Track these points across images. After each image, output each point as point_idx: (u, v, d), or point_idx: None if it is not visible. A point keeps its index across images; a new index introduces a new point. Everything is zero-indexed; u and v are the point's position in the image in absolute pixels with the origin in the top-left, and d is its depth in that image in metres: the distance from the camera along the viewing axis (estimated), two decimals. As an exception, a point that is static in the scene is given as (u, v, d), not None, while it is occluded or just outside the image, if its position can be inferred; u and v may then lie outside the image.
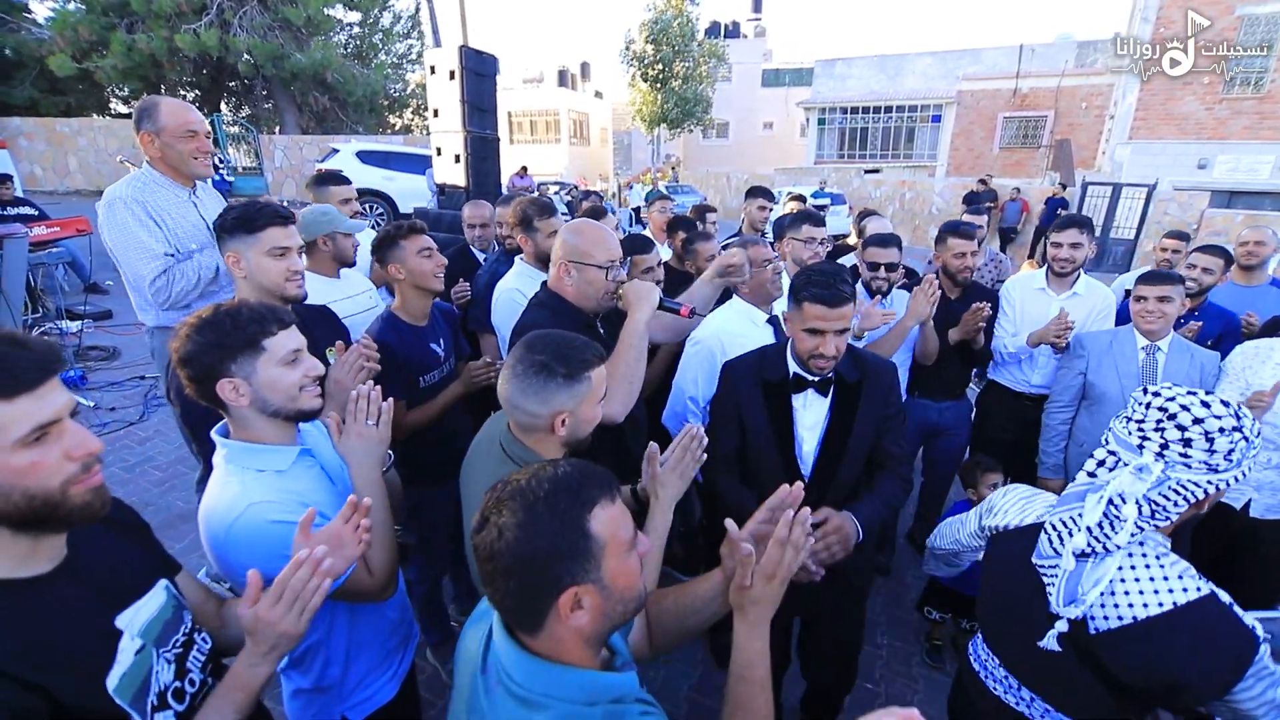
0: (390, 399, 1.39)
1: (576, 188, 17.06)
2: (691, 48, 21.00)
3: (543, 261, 2.45)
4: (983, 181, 13.86)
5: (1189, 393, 1.14)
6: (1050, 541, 1.22)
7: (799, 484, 1.14)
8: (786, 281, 2.97)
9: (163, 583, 1.02)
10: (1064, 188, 13.39)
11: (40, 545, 0.85)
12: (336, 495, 1.33)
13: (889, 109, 20.37)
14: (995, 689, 1.40)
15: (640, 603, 0.92)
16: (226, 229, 1.63)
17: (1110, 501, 1.14)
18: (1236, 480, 1.11)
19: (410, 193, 10.95)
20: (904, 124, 20.47)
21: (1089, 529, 1.15)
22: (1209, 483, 1.10)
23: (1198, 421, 1.09)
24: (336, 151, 12.41)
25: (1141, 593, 1.15)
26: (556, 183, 18.68)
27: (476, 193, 4.95)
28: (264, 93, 19.97)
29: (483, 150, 5.07)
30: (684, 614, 1.18)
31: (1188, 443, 1.09)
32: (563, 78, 32.85)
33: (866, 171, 17.67)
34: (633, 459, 1.95)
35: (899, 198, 16.18)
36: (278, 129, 20.43)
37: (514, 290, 2.33)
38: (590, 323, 1.91)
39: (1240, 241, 3.32)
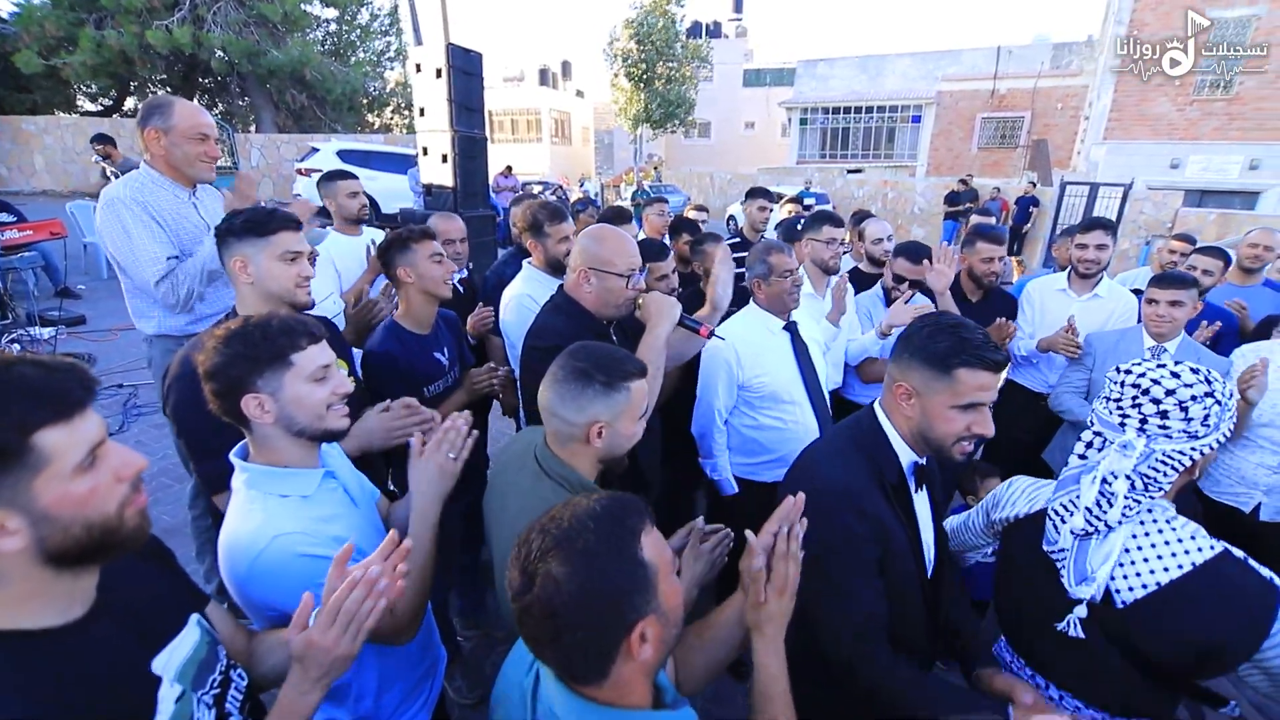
0: (476, 431, 1.33)
1: (561, 187, 16.94)
2: (675, 48, 20.99)
3: (552, 267, 2.40)
4: (963, 181, 14.05)
5: (1159, 365, 1.18)
6: (1055, 526, 1.25)
7: (801, 495, 1.14)
8: (809, 287, 2.96)
9: (195, 617, 0.94)
10: (1034, 185, 13.61)
11: (78, 584, 0.77)
12: (361, 518, 1.27)
13: (870, 109, 20.59)
14: None
15: (682, 621, 0.90)
16: (235, 232, 1.54)
17: (1104, 480, 1.17)
18: (1218, 443, 1.15)
19: (392, 193, 10.81)
20: (885, 124, 20.70)
21: (1087, 509, 1.18)
22: (1193, 449, 1.14)
23: (1170, 393, 1.13)
24: (316, 150, 12.19)
25: (1160, 557, 1.17)
26: (540, 182, 18.54)
27: (464, 193, 4.86)
28: (239, 90, 19.51)
29: (470, 150, 4.98)
30: (710, 647, 1.16)
31: (1164, 414, 1.13)
32: (544, 76, 32.67)
33: (849, 171, 17.82)
34: (641, 470, 1.92)
35: (881, 197, 16.34)
36: (254, 127, 19.99)
37: (524, 296, 2.27)
38: (605, 330, 1.87)
39: (1250, 243, 3.37)
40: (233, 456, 1.16)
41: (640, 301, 1.79)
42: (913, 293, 2.80)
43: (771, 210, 3.77)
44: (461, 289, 2.47)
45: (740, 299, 2.38)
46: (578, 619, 0.77)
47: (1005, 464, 2.75)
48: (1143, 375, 1.20)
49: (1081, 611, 1.21)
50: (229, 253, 1.55)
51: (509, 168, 15.21)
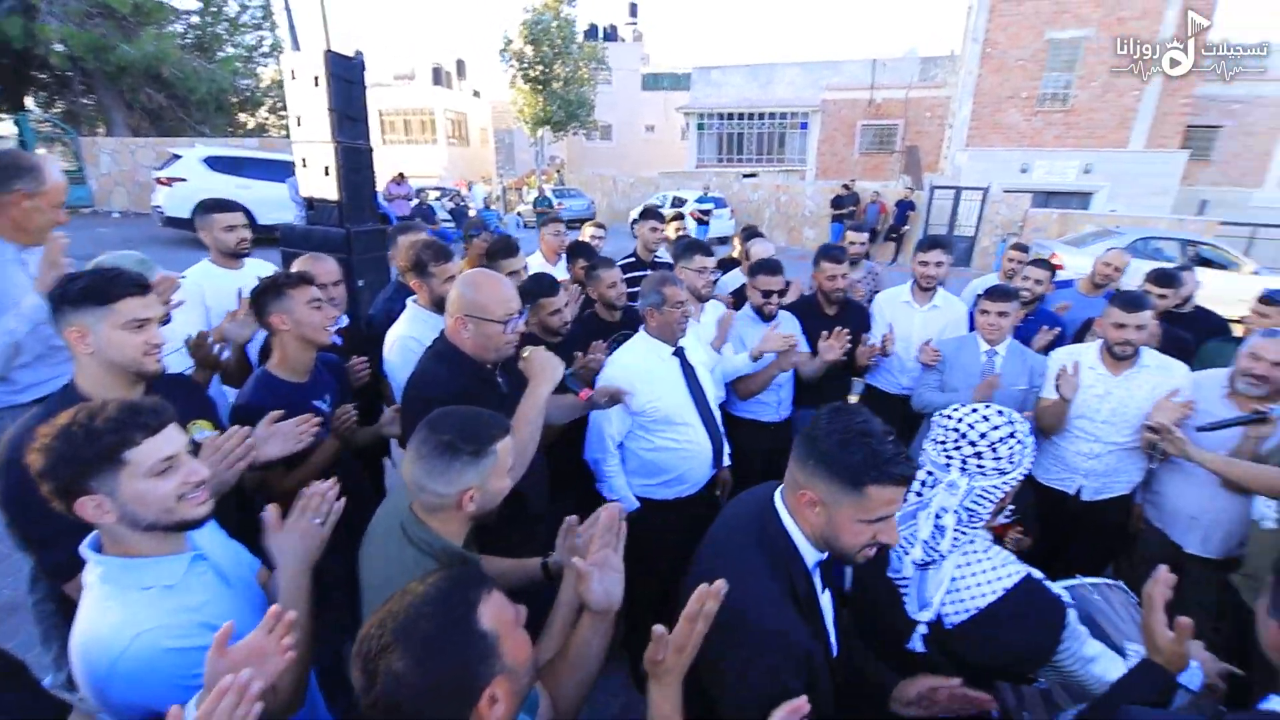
0: (344, 498, 1.30)
1: (459, 194, 16.49)
2: (571, 49, 20.98)
3: (438, 305, 2.36)
4: (846, 186, 15.02)
5: (973, 410, 1.37)
6: (899, 557, 1.40)
7: (618, 504, 1.32)
8: (711, 315, 3.08)
9: None
10: (911, 190, 14.83)
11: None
12: (235, 599, 1.22)
13: (762, 115, 21.57)
14: None
15: (534, 666, 0.95)
16: (70, 300, 1.39)
17: (936, 515, 1.33)
18: (1019, 479, 1.34)
19: (268, 202, 9.79)
20: (776, 130, 21.77)
21: (924, 542, 1.34)
22: (1004, 483, 1.33)
23: (983, 436, 1.32)
24: (178, 158, 11.06)
25: (979, 584, 1.35)
26: (436, 187, 17.91)
27: (351, 206, 4.64)
28: (84, 87, 17.39)
29: (355, 162, 4.75)
30: (576, 664, 1.21)
31: (980, 455, 1.32)
32: (437, 75, 31.55)
33: (745, 176, 18.57)
34: (529, 511, 1.94)
35: (775, 201, 17.16)
36: (102, 129, 17.90)
37: (408, 338, 2.22)
38: (489, 375, 1.88)
39: (1104, 262, 3.82)
40: (84, 549, 1.09)
41: (524, 354, 1.81)
42: (777, 321, 2.99)
43: (663, 230, 3.89)
44: (340, 339, 2.33)
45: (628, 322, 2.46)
46: (423, 707, 0.79)
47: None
48: (960, 420, 1.38)
49: (923, 629, 1.38)
50: (64, 322, 1.40)
51: (401, 174, 14.61)
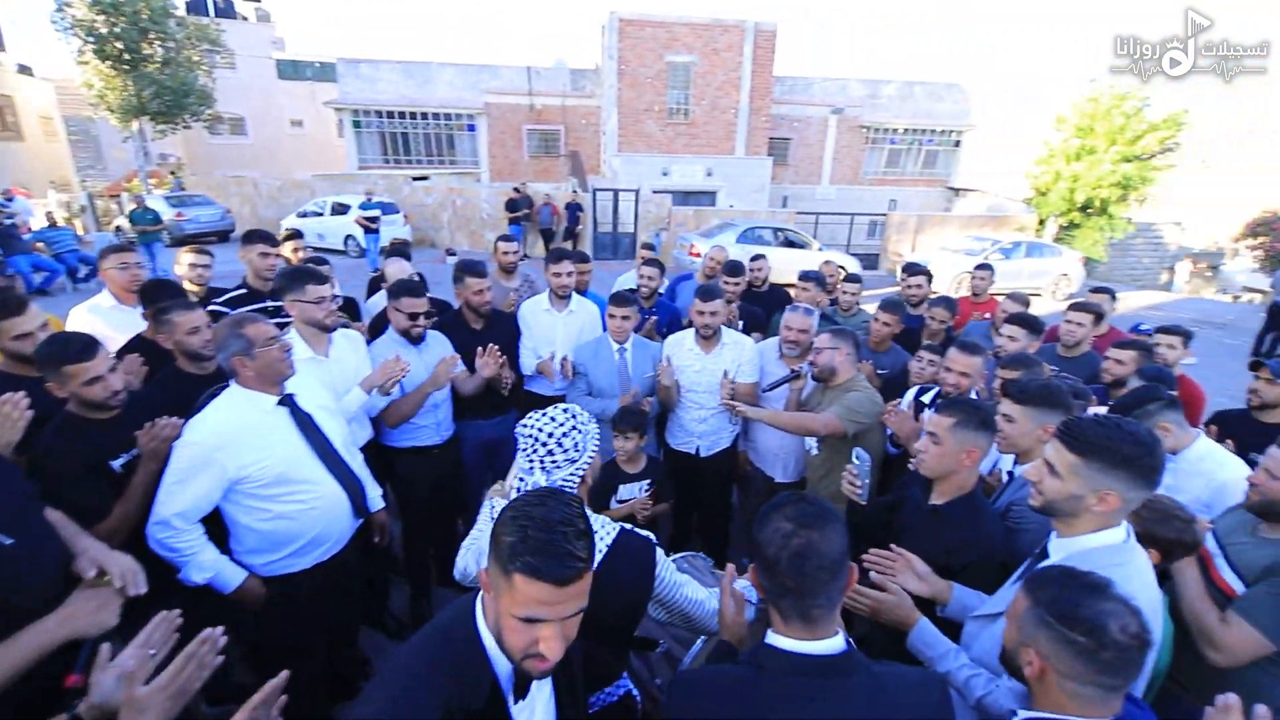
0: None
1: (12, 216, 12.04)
2: (168, 24, 16.92)
3: None
4: (517, 189, 15.45)
5: (542, 414, 1.54)
6: None
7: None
8: (307, 350, 2.69)
9: None
10: (576, 193, 16.04)
11: None
12: None
13: (425, 115, 20.72)
14: None
15: None
16: None
17: None
18: (589, 462, 1.55)
19: None
20: (443, 130, 21.16)
21: None
22: (577, 471, 1.52)
23: (550, 435, 1.50)
24: None
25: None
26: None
27: None
28: None
29: None
30: None
31: (550, 452, 1.50)
32: (-52, 40, 22.47)
33: (415, 179, 17.67)
34: None
35: (451, 204, 16.76)
36: None
37: None
38: None
39: (710, 257, 4.61)
40: None
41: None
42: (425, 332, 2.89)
43: (278, 254, 3.35)
44: None
45: (214, 380, 2.04)
46: None
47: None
48: (533, 425, 1.52)
49: None
50: None
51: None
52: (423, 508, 3.12)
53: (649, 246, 5.04)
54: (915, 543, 1.88)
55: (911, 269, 4.69)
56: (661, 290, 4.40)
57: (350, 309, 3.82)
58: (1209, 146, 21.19)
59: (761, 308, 4.28)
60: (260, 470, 2.02)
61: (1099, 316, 3.66)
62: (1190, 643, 1.69)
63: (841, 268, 5.58)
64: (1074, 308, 3.62)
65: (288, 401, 2.14)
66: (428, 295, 3.02)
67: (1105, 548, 1.44)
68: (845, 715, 1.07)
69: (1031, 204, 18.84)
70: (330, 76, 23.37)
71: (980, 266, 5.13)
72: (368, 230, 13.15)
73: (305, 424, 2.16)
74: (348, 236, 14.56)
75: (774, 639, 1.13)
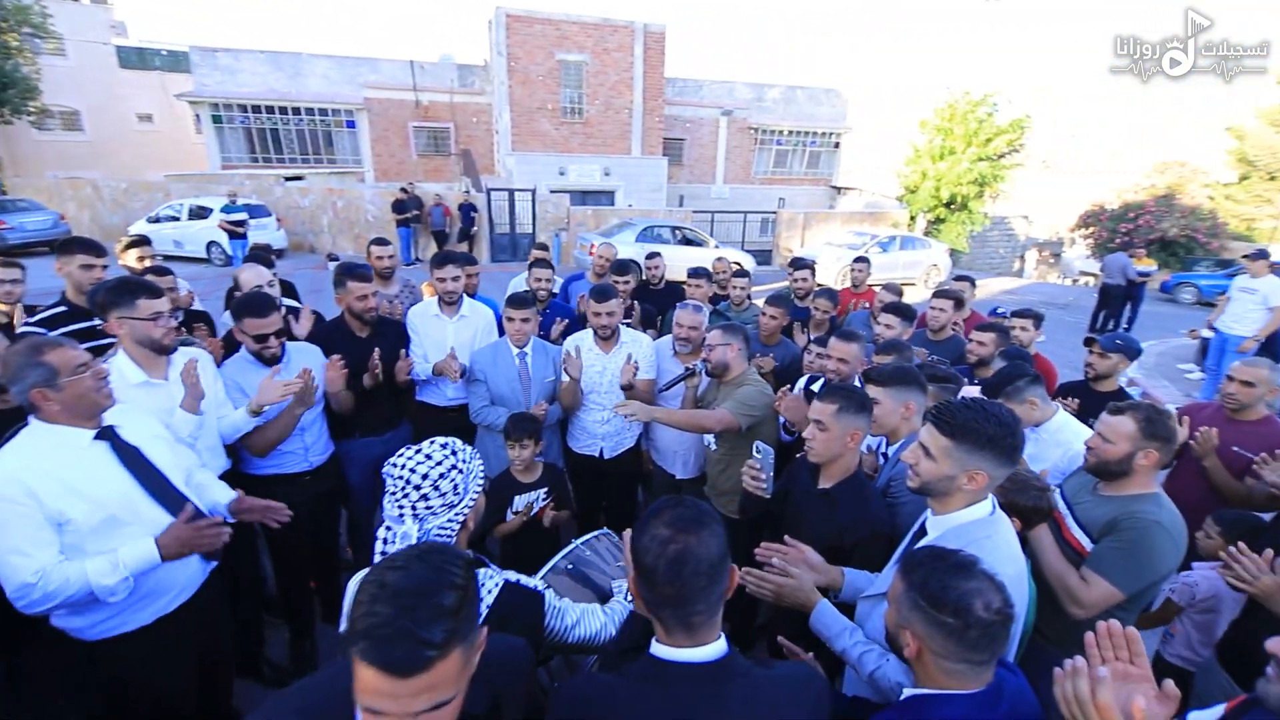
0: None
1: None
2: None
3: None
4: (405, 189, 14.69)
5: (416, 451, 1.35)
6: None
7: None
8: (140, 375, 2.35)
9: None
10: (468, 193, 15.49)
11: None
12: None
13: (298, 110, 19.19)
14: None
15: None
16: None
17: None
18: (470, 507, 1.37)
19: None
20: (319, 127, 19.69)
21: None
22: (458, 514, 1.35)
23: (425, 477, 1.31)
24: None
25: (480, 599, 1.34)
26: None
27: None
28: None
29: None
30: None
31: (425, 497, 1.31)
32: None
33: (288, 179, 16.32)
34: None
35: (331, 206, 15.64)
36: None
37: None
38: None
39: (598, 254, 4.56)
40: None
41: None
42: (280, 366, 2.60)
43: (102, 265, 2.90)
44: None
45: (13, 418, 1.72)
46: None
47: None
48: (404, 465, 1.32)
49: None
50: None
51: None
52: (297, 541, 2.83)
53: (542, 247, 4.91)
54: (810, 527, 1.96)
55: (797, 263, 4.87)
56: (555, 291, 4.29)
57: (199, 321, 3.42)
58: (1049, 150, 23.95)
59: (657, 305, 4.28)
60: (83, 515, 1.73)
61: (959, 302, 3.96)
62: (1051, 598, 1.83)
63: (737, 264, 5.71)
64: (936, 295, 3.91)
65: (108, 434, 1.83)
66: (283, 307, 2.73)
67: (975, 522, 1.53)
68: None
69: (903, 201, 20.45)
70: (183, 67, 21.06)
71: (858, 260, 5.43)
72: (234, 236, 12.00)
73: (132, 459, 1.86)
74: (211, 243, 13.19)
75: (657, 649, 1.11)
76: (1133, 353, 3.09)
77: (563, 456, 3.36)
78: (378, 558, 1.28)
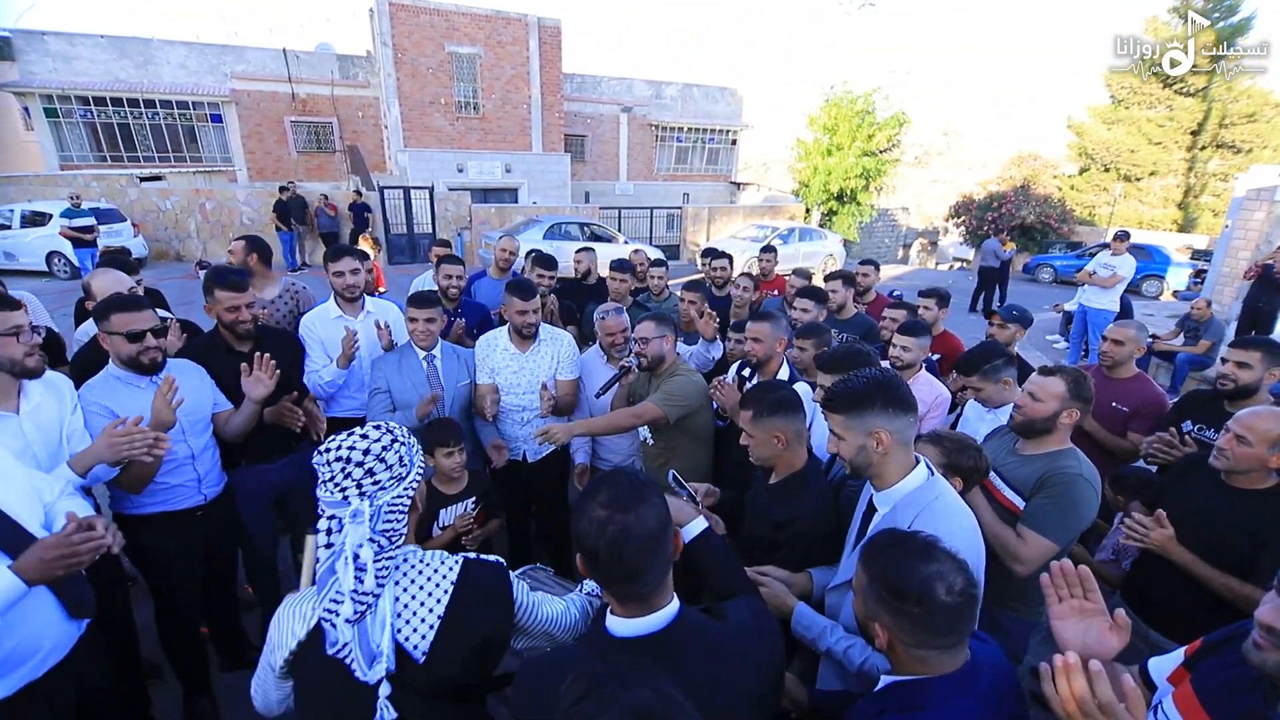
0: None
1: None
2: None
3: None
4: (284, 189, 13.56)
5: (349, 434, 1.28)
6: (333, 625, 1.19)
7: None
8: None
9: None
10: (359, 193, 14.54)
11: None
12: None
13: (152, 103, 17.14)
14: None
15: None
16: None
17: (354, 556, 1.18)
18: (419, 478, 1.31)
19: None
20: (179, 122, 17.68)
21: (351, 592, 1.17)
22: (406, 490, 1.27)
23: (366, 453, 1.23)
24: None
25: (430, 594, 1.26)
26: None
27: None
28: None
29: None
30: None
31: (371, 471, 1.22)
32: None
33: (144, 179, 14.58)
34: None
35: (199, 209, 14.14)
36: None
37: None
38: None
39: (500, 248, 4.33)
40: None
41: None
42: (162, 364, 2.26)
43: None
44: None
45: None
46: None
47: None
48: (339, 448, 1.22)
49: (386, 689, 1.19)
50: None
51: None
52: (185, 586, 2.47)
53: (444, 244, 4.64)
54: (750, 523, 2.01)
55: (712, 253, 4.92)
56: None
57: (53, 347, 2.92)
58: (925, 146, 26.00)
59: (577, 301, 4.16)
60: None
61: (849, 279, 4.12)
62: (990, 556, 1.91)
63: (656, 258, 5.70)
64: (829, 278, 4.08)
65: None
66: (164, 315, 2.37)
67: (919, 488, 1.55)
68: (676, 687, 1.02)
69: (798, 195, 21.45)
70: (6, 54, 18.23)
71: (765, 249, 5.56)
72: (80, 244, 10.53)
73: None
74: (52, 254, 11.52)
75: (611, 623, 1.13)
76: (1027, 321, 3.35)
77: (482, 463, 3.17)
78: (321, 551, 1.21)
